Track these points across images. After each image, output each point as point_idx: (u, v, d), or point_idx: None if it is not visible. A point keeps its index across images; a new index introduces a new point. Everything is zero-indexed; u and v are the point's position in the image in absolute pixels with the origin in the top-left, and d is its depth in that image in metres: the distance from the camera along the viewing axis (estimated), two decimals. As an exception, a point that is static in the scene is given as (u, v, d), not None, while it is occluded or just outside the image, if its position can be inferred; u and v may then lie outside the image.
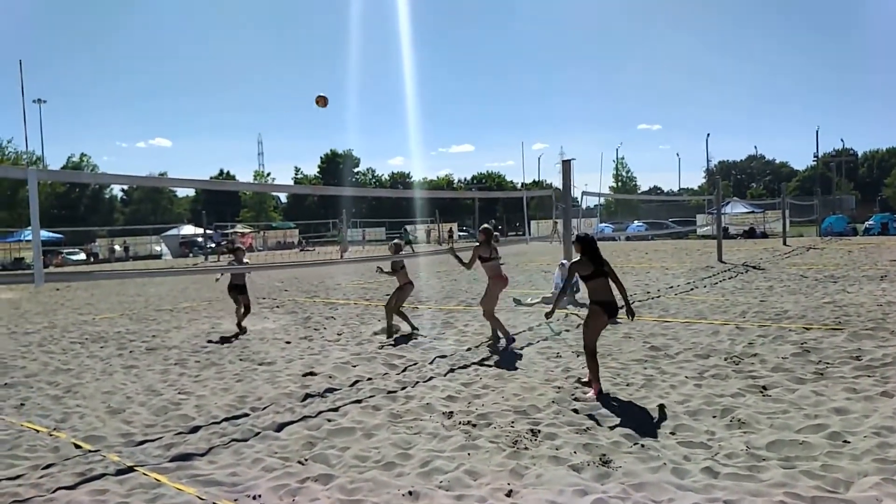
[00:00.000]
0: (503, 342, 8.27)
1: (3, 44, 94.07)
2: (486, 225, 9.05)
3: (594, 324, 5.97)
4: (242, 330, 10.16)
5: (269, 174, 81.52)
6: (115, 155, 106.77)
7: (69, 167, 63.46)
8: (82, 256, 45.42)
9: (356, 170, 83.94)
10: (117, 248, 48.62)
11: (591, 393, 5.77)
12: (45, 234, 43.28)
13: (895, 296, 10.93)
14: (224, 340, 9.53)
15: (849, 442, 4.36)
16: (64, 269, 34.82)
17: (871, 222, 38.58)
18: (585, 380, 6.13)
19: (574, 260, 6.15)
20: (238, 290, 10.37)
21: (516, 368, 6.96)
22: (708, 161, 79.20)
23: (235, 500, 3.90)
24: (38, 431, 5.43)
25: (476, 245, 8.78)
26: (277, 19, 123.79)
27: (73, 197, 64.84)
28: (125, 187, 74.30)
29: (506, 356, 7.60)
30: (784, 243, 28.33)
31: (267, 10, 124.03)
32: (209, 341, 9.50)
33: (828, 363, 6.45)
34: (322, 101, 8.73)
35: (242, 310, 10.33)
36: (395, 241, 11.07)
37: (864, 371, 6.14)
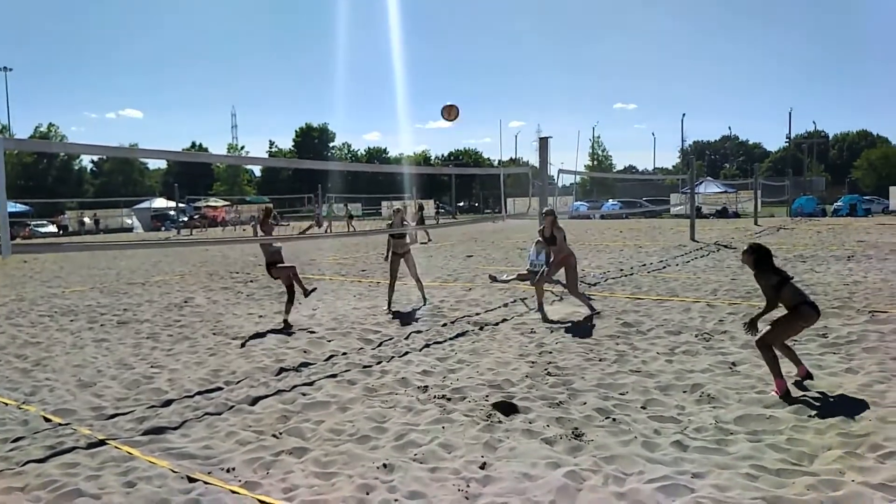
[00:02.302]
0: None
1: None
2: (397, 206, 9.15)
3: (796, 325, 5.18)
4: (285, 322, 8.42)
5: (242, 147, 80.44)
6: (83, 125, 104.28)
7: (37, 137, 61.85)
8: (51, 229, 44.55)
9: (332, 144, 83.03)
10: (87, 220, 47.69)
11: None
12: (11, 206, 42.32)
13: (861, 275, 11.18)
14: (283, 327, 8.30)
15: (813, 416, 4.47)
16: (32, 241, 34.08)
17: (839, 203, 39.38)
18: None
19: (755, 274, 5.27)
20: (272, 267, 8.73)
21: (491, 344, 7.01)
22: (683, 141, 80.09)
23: (209, 472, 3.89)
24: (6, 405, 5.35)
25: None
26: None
27: (40, 168, 63.32)
28: (95, 158, 72.77)
29: (482, 332, 7.64)
30: (755, 223, 28.78)
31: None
32: (181, 315, 9.41)
33: (795, 340, 6.57)
34: (450, 111, 8.25)
35: (293, 293, 8.59)
36: (397, 208, 10.38)
37: (830, 348, 6.29)
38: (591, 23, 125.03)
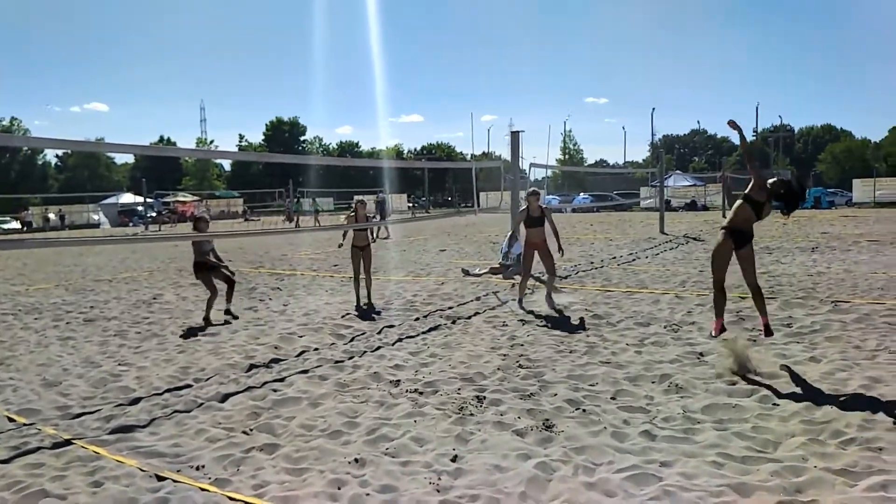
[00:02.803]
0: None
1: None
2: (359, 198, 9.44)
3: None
4: (206, 320, 8.35)
5: (212, 141, 79.38)
6: (47, 119, 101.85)
7: (-2, 131, 60.32)
8: (15, 225, 43.51)
9: (303, 138, 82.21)
10: (52, 216, 46.67)
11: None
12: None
13: (825, 266, 11.44)
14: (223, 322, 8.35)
15: (778, 405, 4.57)
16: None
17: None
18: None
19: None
20: (202, 267, 8.54)
21: (463, 337, 7.03)
22: (653, 135, 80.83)
23: (178, 470, 3.85)
24: (-33, 405, 5.22)
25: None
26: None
27: (2, 163, 61.83)
28: (59, 153, 71.21)
29: (454, 326, 7.66)
30: (724, 216, 29.08)
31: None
32: (150, 311, 9.27)
33: (760, 330, 6.71)
34: None
35: (215, 291, 8.50)
36: (360, 200, 10.17)
37: (794, 338, 6.43)
38: (562, 17, 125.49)
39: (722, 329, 5.78)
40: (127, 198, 53.84)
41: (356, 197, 10.83)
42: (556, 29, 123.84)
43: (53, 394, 5.49)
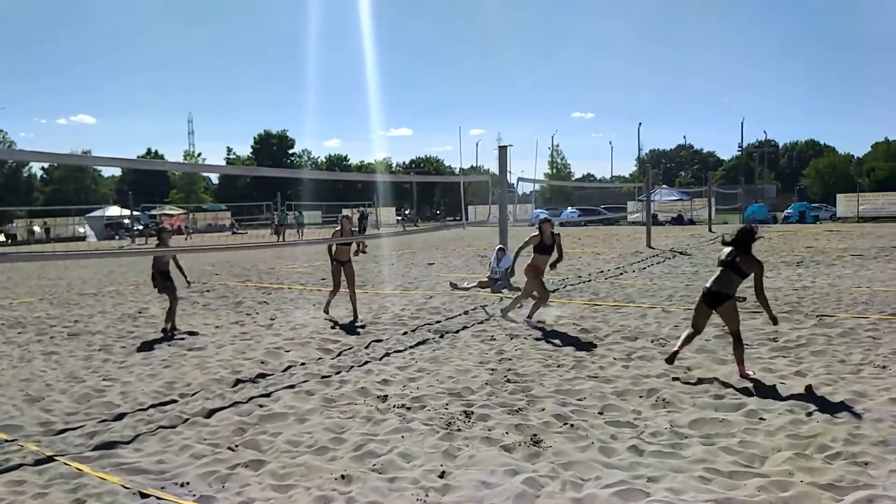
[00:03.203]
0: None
1: None
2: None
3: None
4: (172, 328, 8.68)
5: (199, 154, 79.10)
6: (33, 131, 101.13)
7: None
8: (0, 238, 43.05)
9: (291, 151, 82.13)
10: (37, 229, 46.19)
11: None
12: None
13: (809, 280, 11.55)
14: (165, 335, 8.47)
15: (764, 419, 4.59)
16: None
17: (789, 211, 40.56)
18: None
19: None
20: (164, 277, 8.89)
21: (451, 352, 7.01)
22: (639, 149, 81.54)
23: (162, 487, 3.80)
24: (-53, 422, 5.14)
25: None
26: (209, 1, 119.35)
27: (-14, 175, 61.31)
28: (45, 165, 70.64)
29: (442, 340, 7.65)
30: (710, 230, 29.45)
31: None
32: (135, 326, 9.18)
33: (746, 344, 6.74)
34: None
35: (175, 299, 8.86)
36: (345, 215, 10.68)
37: (780, 352, 6.48)
38: (549, 32, 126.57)
39: (674, 357, 5.91)
40: (113, 211, 53.42)
41: (343, 211, 10.83)
42: (543, 44, 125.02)
43: (36, 409, 5.41)
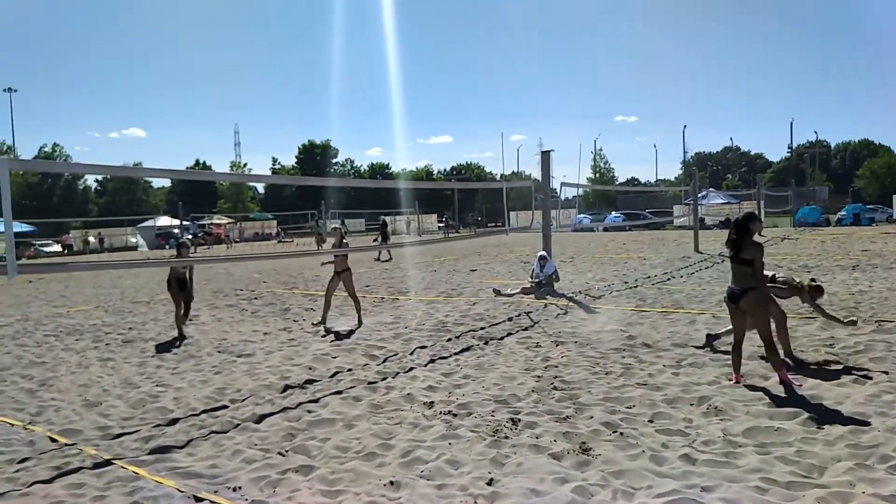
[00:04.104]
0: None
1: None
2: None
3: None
4: (181, 335, 9.08)
5: (245, 165, 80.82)
6: (87, 145, 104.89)
7: (41, 157, 62.23)
8: (56, 248, 44.68)
9: (334, 160, 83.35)
10: (92, 239, 47.84)
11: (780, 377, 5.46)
12: (17, 226, 42.53)
13: (867, 285, 11.14)
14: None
15: (822, 428, 4.44)
16: (37, 261, 34.16)
17: (843, 213, 39.26)
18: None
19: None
20: (180, 285, 9.31)
21: (496, 358, 6.99)
22: (685, 152, 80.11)
23: (215, 491, 3.88)
24: (12, 425, 5.34)
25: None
26: (254, 10, 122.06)
27: (45, 188, 63.63)
28: (99, 178, 73.06)
29: (487, 347, 7.63)
30: (759, 234, 28.69)
31: (239, 6, 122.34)
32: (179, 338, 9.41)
33: (801, 351, 6.56)
34: None
35: (183, 310, 9.30)
36: (335, 227, 11.27)
37: (837, 358, 6.25)
38: (590, 36, 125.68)
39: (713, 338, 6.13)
40: (164, 221, 54.92)
41: (334, 224, 11.36)
42: (585, 48, 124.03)
43: (94, 414, 5.59)
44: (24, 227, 43.79)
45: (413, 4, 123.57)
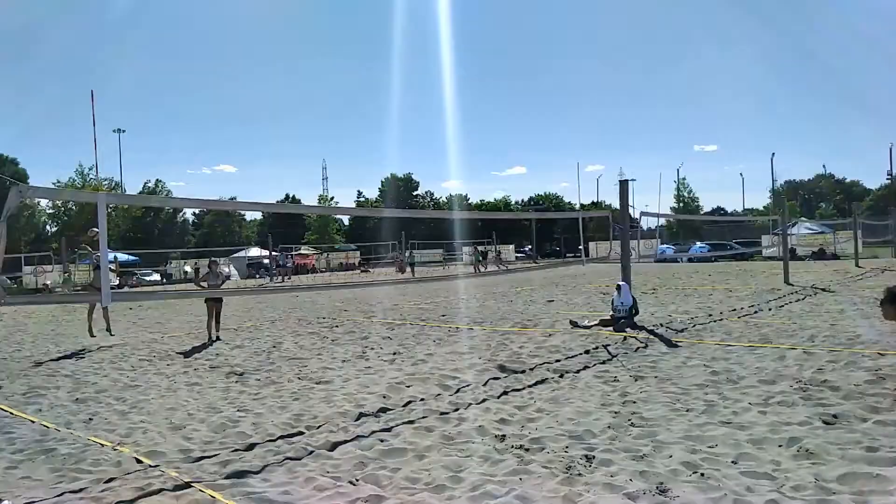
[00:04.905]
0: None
1: (83, 76, 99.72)
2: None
3: None
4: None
5: (332, 198, 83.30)
6: (182, 180, 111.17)
7: (145, 192, 66.40)
8: (156, 277, 47.26)
9: (415, 192, 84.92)
10: (188, 269, 50.36)
11: None
12: (122, 256, 45.38)
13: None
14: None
15: (928, 476, 4.08)
16: (135, 290, 36.26)
17: (954, 242, 36.42)
18: None
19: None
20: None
21: (571, 392, 6.83)
22: (773, 180, 76.67)
23: (287, 518, 3.94)
24: (102, 446, 5.63)
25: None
26: (336, 52, 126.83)
27: (147, 221, 67.73)
28: (196, 211, 77.16)
29: (562, 380, 7.48)
30: (856, 265, 27.03)
31: (326, 44, 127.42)
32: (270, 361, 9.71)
33: (905, 391, 6.08)
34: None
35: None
36: (213, 259, 14.26)
37: (947, 401, 5.76)
38: (665, 65, 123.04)
39: None
40: (254, 251, 57.21)
41: (212, 258, 14.74)
42: (659, 78, 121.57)
43: (178, 437, 5.81)
44: (129, 258, 46.66)
45: (486, 36, 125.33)
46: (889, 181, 70.47)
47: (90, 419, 6.59)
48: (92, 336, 12.62)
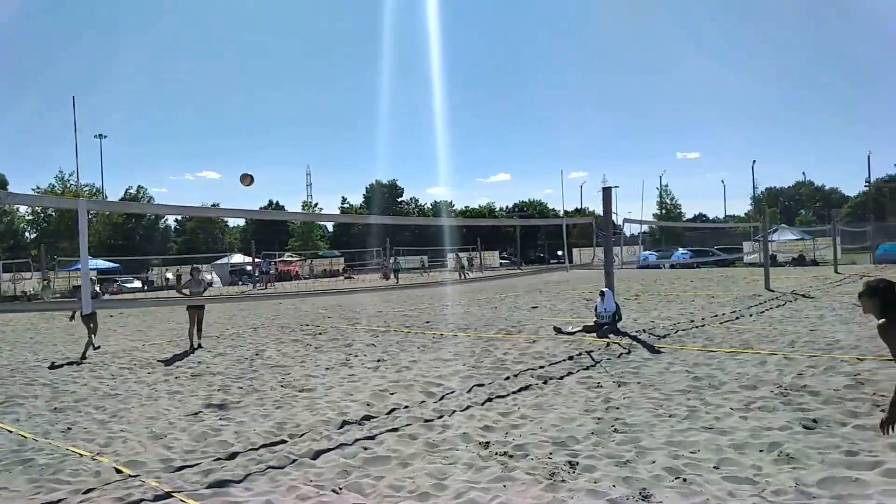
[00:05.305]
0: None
1: (64, 81, 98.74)
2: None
3: None
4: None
5: (316, 204, 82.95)
6: (165, 187, 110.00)
7: (126, 199, 65.67)
8: (137, 284, 46.75)
9: (399, 199, 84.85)
10: (170, 276, 49.87)
11: None
12: (103, 263, 44.89)
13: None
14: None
15: (906, 480, 4.13)
16: (116, 297, 35.83)
17: (931, 249, 37.02)
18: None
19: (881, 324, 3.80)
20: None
21: (555, 398, 6.84)
22: (754, 188, 77.60)
23: (269, 527, 3.90)
24: (81, 456, 5.55)
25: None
26: (321, 59, 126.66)
27: (128, 227, 67.00)
28: (179, 218, 76.46)
29: (546, 386, 7.49)
30: (835, 271, 27.40)
31: (311, 51, 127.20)
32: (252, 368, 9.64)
33: (883, 395, 6.15)
34: (246, 179, 9.32)
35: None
36: (194, 266, 14.22)
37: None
38: (646, 71, 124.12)
39: None
40: (237, 258, 56.81)
41: (194, 265, 14.73)
42: (642, 83, 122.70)
43: (159, 446, 5.75)
44: (110, 265, 46.13)
45: (470, 44, 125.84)
46: (867, 188, 71.60)
47: (69, 429, 6.50)
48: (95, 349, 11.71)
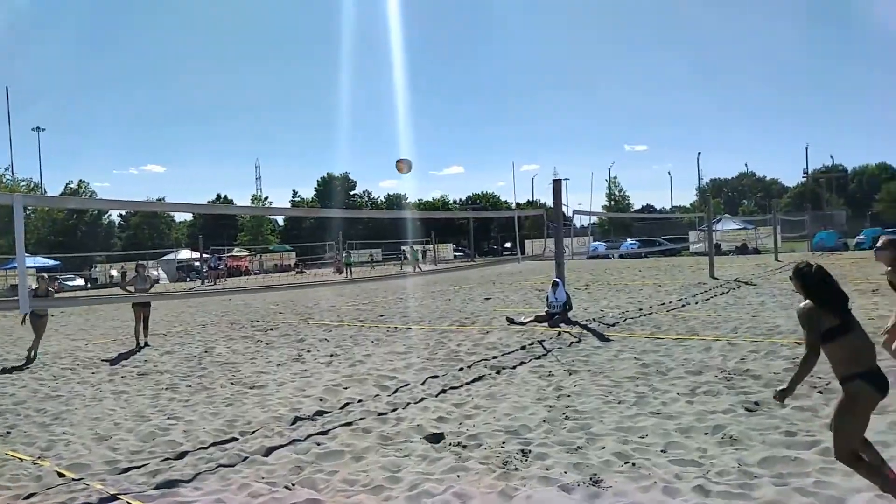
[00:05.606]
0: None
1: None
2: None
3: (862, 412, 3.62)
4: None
5: (266, 198, 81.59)
6: (108, 181, 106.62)
7: (67, 194, 63.34)
8: (80, 282, 45.22)
9: (352, 192, 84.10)
10: (115, 273, 48.38)
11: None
12: (42, 260, 43.20)
13: (887, 309, 10.91)
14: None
15: (841, 457, 4.31)
16: (57, 295, 34.57)
17: (861, 237, 38.80)
18: None
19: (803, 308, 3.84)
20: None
21: (508, 388, 6.91)
22: (699, 179, 79.71)
23: (220, 526, 3.84)
24: (21, 460, 5.35)
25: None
26: (271, 48, 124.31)
27: (70, 223, 64.68)
28: (122, 213, 74.22)
29: (499, 376, 7.56)
30: (776, 259, 28.43)
31: (261, 40, 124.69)
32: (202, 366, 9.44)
33: (820, 377, 6.41)
34: (403, 165, 9.04)
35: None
36: (140, 263, 14.09)
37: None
38: (597, 66, 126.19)
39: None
40: (184, 254, 55.49)
41: (139, 261, 14.37)
42: (592, 78, 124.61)
43: (104, 448, 5.58)
44: (49, 262, 44.45)
45: (423, 36, 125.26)
46: (805, 179, 74.27)
47: (7, 432, 6.25)
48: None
